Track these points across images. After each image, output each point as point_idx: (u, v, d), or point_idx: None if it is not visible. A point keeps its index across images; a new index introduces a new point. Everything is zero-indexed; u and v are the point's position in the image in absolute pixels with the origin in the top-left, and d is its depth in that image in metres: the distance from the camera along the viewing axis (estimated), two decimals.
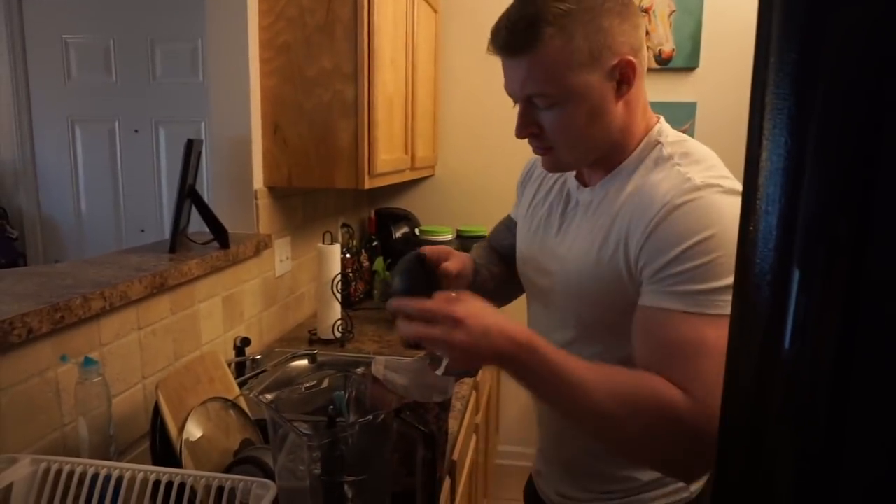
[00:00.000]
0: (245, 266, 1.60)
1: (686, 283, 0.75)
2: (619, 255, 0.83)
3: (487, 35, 0.85)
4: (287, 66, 1.64)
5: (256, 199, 1.64)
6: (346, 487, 0.79)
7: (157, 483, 0.83)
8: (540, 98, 0.83)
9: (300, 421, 0.80)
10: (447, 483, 1.31)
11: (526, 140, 0.89)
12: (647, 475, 0.93)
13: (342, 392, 0.91)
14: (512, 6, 0.83)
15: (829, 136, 0.31)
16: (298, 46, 1.62)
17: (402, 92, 1.99)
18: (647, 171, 0.85)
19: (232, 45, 1.59)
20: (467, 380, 1.59)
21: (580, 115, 0.83)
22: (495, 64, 0.86)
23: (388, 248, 2.40)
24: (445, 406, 0.91)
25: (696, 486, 0.94)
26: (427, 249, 0.95)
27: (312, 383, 0.90)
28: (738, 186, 0.79)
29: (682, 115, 2.41)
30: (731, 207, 0.76)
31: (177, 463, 0.95)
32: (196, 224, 1.47)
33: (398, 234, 2.46)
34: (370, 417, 0.80)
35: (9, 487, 0.81)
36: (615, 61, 0.81)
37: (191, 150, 1.37)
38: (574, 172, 0.96)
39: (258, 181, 1.66)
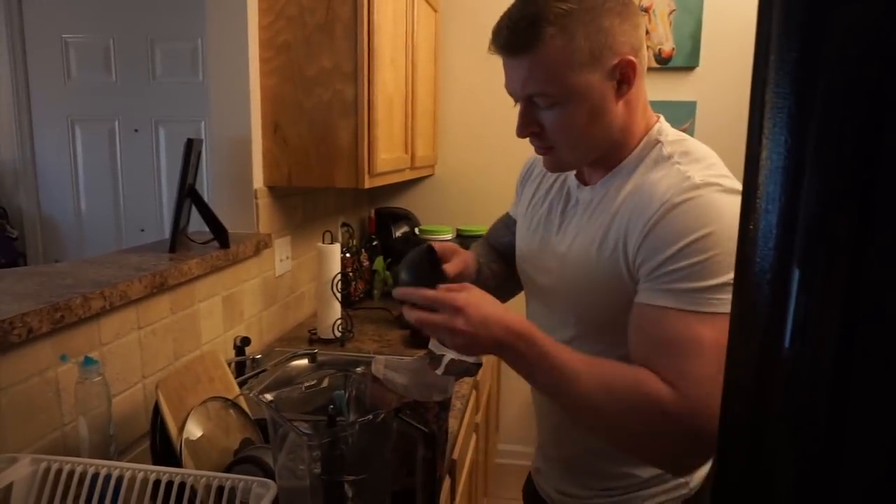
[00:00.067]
0: (245, 265, 1.60)
1: (681, 280, 0.76)
2: (619, 254, 0.83)
3: (487, 34, 0.85)
4: (287, 66, 1.64)
5: (256, 198, 1.64)
6: (346, 487, 0.79)
7: (157, 482, 0.83)
8: (541, 97, 0.83)
9: (300, 420, 0.80)
10: (447, 482, 1.31)
11: (526, 139, 0.89)
12: (647, 472, 0.93)
13: (342, 391, 0.91)
14: (513, 6, 0.83)
15: (829, 134, 0.30)
16: (298, 46, 1.62)
17: (402, 91, 1.99)
18: (647, 170, 0.86)
19: (232, 45, 1.59)
20: (467, 379, 1.59)
21: (581, 114, 0.83)
22: (495, 63, 0.86)
23: (388, 247, 2.40)
24: (445, 405, 0.91)
25: (695, 483, 0.94)
26: (435, 244, 0.96)
27: (312, 383, 0.90)
28: (738, 185, 0.79)
29: (681, 115, 2.41)
30: (729, 206, 0.76)
31: (177, 462, 0.95)
32: (196, 223, 1.47)
33: (398, 233, 2.46)
34: (370, 417, 0.80)
35: (9, 487, 0.81)
36: (616, 61, 0.81)
37: (191, 150, 1.37)
38: (574, 171, 0.96)
39: (258, 181, 1.66)
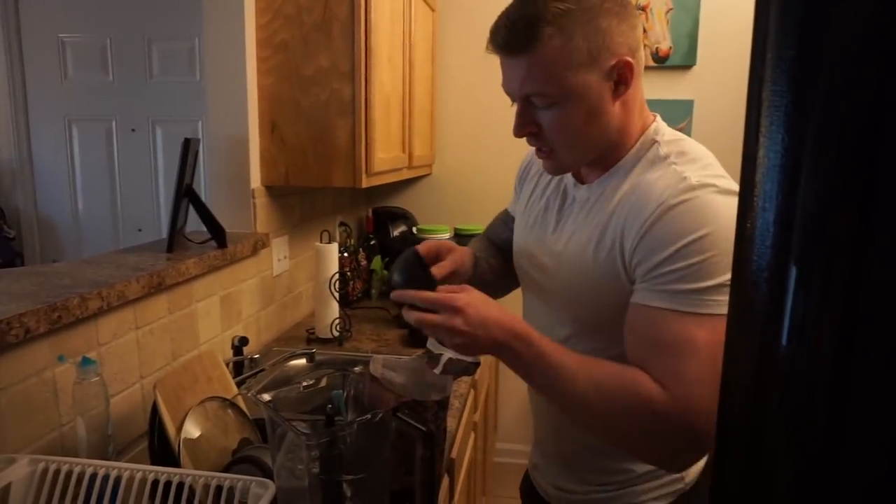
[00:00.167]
0: (243, 265, 1.60)
1: (677, 282, 0.76)
2: (615, 254, 0.84)
3: (485, 34, 0.85)
4: (284, 65, 1.63)
5: (254, 198, 1.64)
6: (344, 486, 0.79)
7: (155, 482, 0.83)
8: (538, 97, 0.83)
9: (298, 420, 0.80)
10: (445, 481, 1.31)
11: (523, 138, 0.89)
12: (644, 467, 0.94)
13: (340, 391, 0.91)
14: (511, 5, 0.83)
15: (826, 133, 0.30)
16: (296, 45, 1.62)
17: (400, 90, 1.99)
18: (644, 170, 0.86)
19: (229, 44, 1.59)
20: (465, 378, 1.59)
21: (578, 114, 0.83)
22: (493, 62, 0.86)
23: (386, 246, 2.40)
24: (444, 404, 0.91)
25: (691, 478, 0.95)
26: (423, 247, 0.97)
27: (311, 382, 0.90)
28: (734, 186, 0.80)
29: (678, 113, 2.41)
30: (726, 207, 0.77)
31: (175, 462, 0.95)
32: (193, 223, 1.47)
33: (396, 232, 2.46)
34: (368, 416, 0.80)
35: (7, 487, 0.81)
36: (613, 62, 0.81)
37: (188, 149, 1.37)
38: None
39: (255, 180, 1.66)
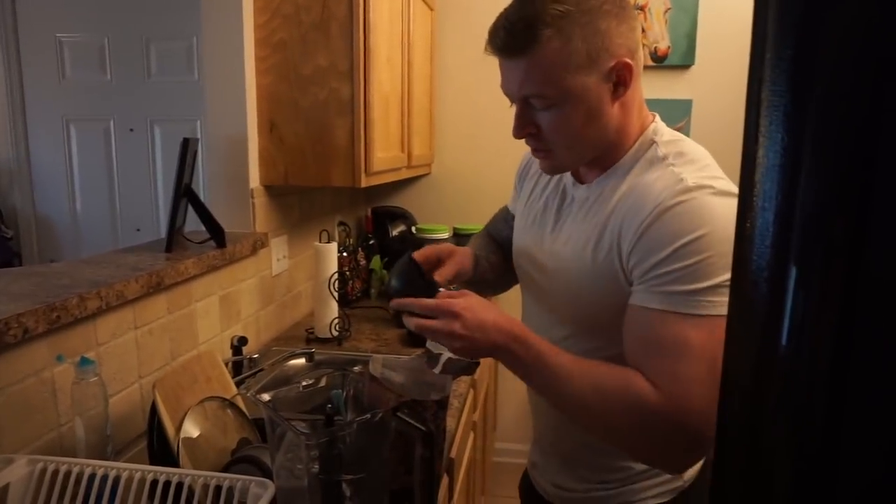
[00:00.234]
0: (242, 265, 1.60)
1: (673, 283, 0.77)
2: (613, 255, 0.84)
3: (483, 33, 0.85)
4: (283, 64, 1.63)
5: (253, 197, 1.64)
6: (344, 486, 0.79)
7: (154, 482, 0.83)
8: (537, 99, 0.83)
9: (298, 420, 0.80)
10: (445, 481, 1.31)
11: (522, 139, 0.89)
12: (642, 465, 0.94)
13: (340, 390, 0.91)
14: (510, 7, 0.83)
15: (825, 133, 0.31)
16: (294, 44, 1.62)
17: (398, 90, 1.99)
18: (642, 171, 0.86)
19: (227, 43, 1.58)
20: (465, 378, 1.59)
21: (577, 116, 0.83)
22: (492, 61, 0.86)
23: (385, 246, 2.40)
24: (443, 404, 0.91)
25: (690, 476, 0.95)
26: (423, 253, 0.98)
27: (310, 382, 0.90)
28: (731, 188, 0.80)
29: (677, 113, 2.42)
30: (722, 208, 0.77)
31: (174, 462, 0.95)
32: (192, 223, 1.47)
33: (395, 232, 2.46)
34: (368, 416, 0.80)
35: (5, 488, 0.81)
36: (612, 63, 0.81)
37: (187, 149, 1.37)
38: None
39: (254, 180, 1.65)
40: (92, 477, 0.82)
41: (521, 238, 1.04)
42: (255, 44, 1.63)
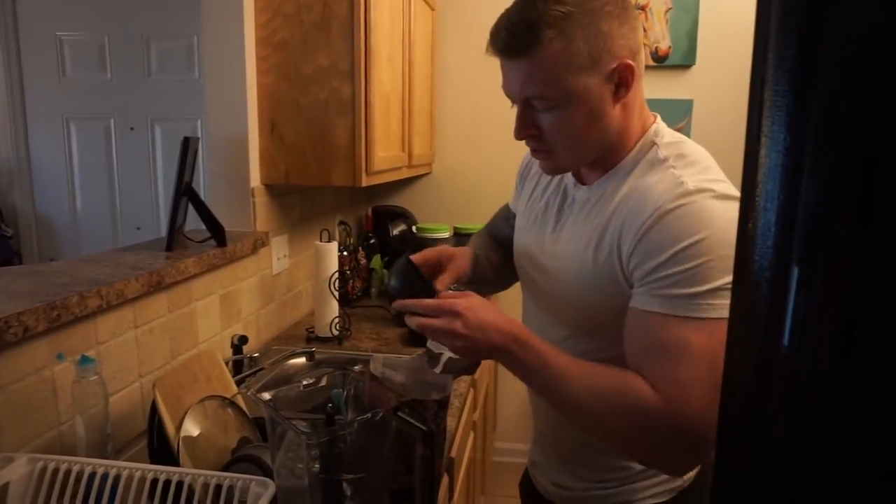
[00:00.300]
0: (242, 264, 1.60)
1: (673, 286, 0.77)
2: (613, 257, 0.84)
3: (484, 33, 0.84)
4: (283, 64, 1.63)
5: (253, 196, 1.64)
6: (344, 485, 0.79)
7: (154, 481, 0.83)
8: (539, 100, 0.83)
9: (298, 419, 0.80)
10: (445, 480, 1.31)
11: (523, 140, 0.89)
12: (641, 465, 0.94)
13: (340, 390, 0.91)
14: (511, 8, 0.82)
15: (828, 133, 0.31)
16: (295, 44, 1.62)
17: (399, 89, 1.99)
18: (643, 173, 0.86)
19: (228, 43, 1.58)
20: (465, 377, 1.59)
21: (579, 117, 0.83)
22: (493, 61, 0.86)
23: (386, 245, 2.40)
24: (444, 404, 0.91)
25: (689, 475, 0.95)
26: (423, 256, 0.99)
27: (310, 381, 0.90)
28: (732, 191, 0.80)
29: (678, 113, 2.41)
30: (722, 212, 0.77)
31: (174, 461, 0.95)
32: (193, 222, 1.47)
33: (395, 231, 2.46)
34: (369, 415, 0.80)
35: (5, 486, 0.81)
36: (614, 65, 0.81)
37: (187, 148, 1.37)
38: None
39: (255, 179, 1.65)
40: (92, 476, 0.82)
41: (522, 238, 1.04)
42: (256, 43, 1.63)
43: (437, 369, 0.86)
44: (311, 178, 1.68)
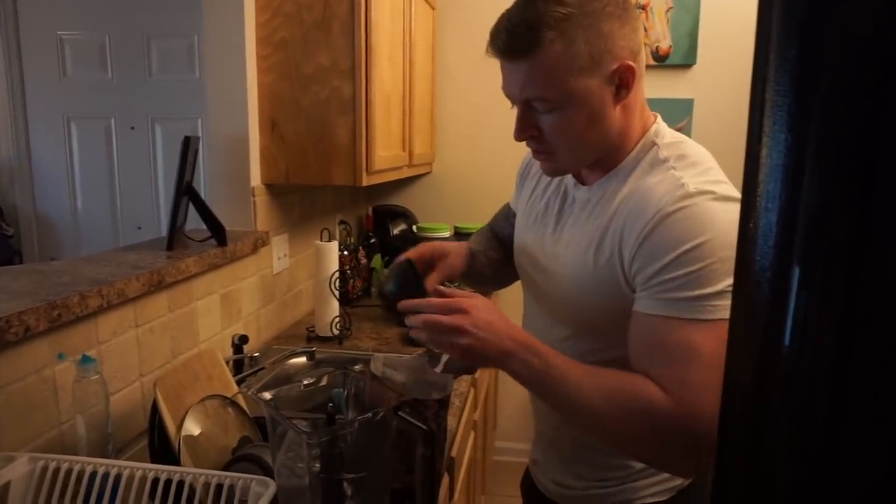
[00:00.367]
0: (243, 263, 1.60)
1: (677, 290, 0.76)
2: (615, 260, 0.84)
3: (485, 32, 0.84)
4: (284, 63, 1.63)
5: (254, 196, 1.64)
6: (345, 485, 0.79)
7: (155, 481, 0.83)
8: (539, 102, 0.83)
9: (299, 418, 0.80)
10: (445, 479, 1.31)
11: (524, 141, 0.89)
12: (641, 464, 0.94)
13: (341, 389, 0.91)
14: (511, 8, 0.82)
15: (829, 133, 0.31)
16: (295, 43, 1.62)
17: (400, 89, 1.99)
18: (643, 174, 0.86)
19: (228, 42, 1.58)
20: (466, 377, 1.59)
21: (579, 119, 0.82)
22: (493, 61, 0.86)
23: (386, 244, 2.40)
24: (445, 403, 0.91)
25: None
26: (417, 252, 0.99)
27: (311, 381, 0.90)
28: (733, 192, 0.80)
29: (678, 112, 2.41)
30: (723, 214, 0.77)
31: (175, 461, 0.95)
32: (193, 221, 1.47)
33: (396, 230, 2.46)
34: (369, 415, 0.80)
35: (6, 486, 0.81)
36: (615, 66, 0.81)
37: (188, 147, 1.37)
38: None
39: (255, 178, 1.65)
40: (93, 475, 0.83)
41: (522, 238, 1.04)
42: (257, 42, 1.63)
43: (438, 369, 0.86)
44: (312, 177, 1.68)
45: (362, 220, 2.58)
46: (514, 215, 1.12)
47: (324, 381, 0.91)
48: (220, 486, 0.82)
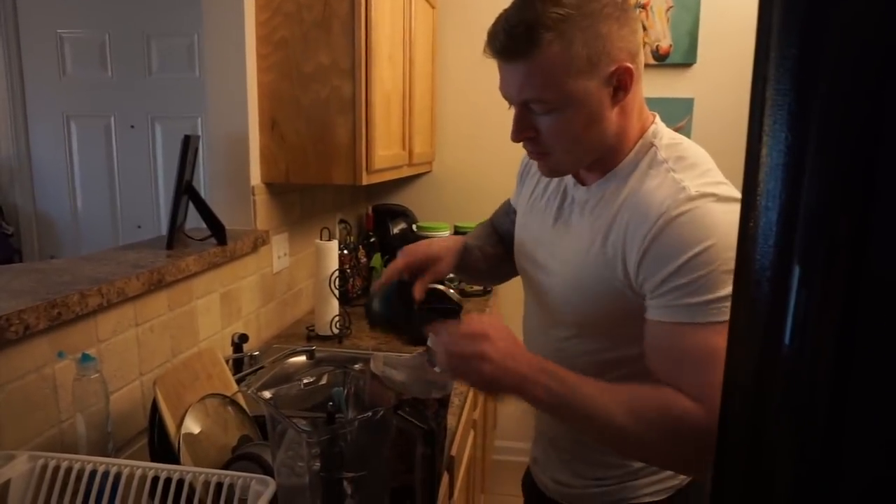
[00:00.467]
0: (242, 262, 1.60)
1: (689, 295, 0.76)
2: (617, 262, 0.83)
3: (485, 32, 0.84)
4: (284, 62, 1.63)
5: (254, 195, 1.64)
6: (345, 484, 0.79)
7: (155, 479, 0.83)
8: (537, 103, 0.82)
9: (299, 417, 0.80)
10: (445, 478, 1.31)
11: (521, 142, 0.89)
12: (639, 463, 0.94)
13: (341, 388, 0.91)
14: (509, 9, 0.81)
15: (829, 132, 0.31)
16: (296, 42, 1.62)
17: (400, 88, 1.99)
18: (642, 176, 0.85)
19: (229, 41, 1.58)
20: None
21: (577, 120, 0.82)
22: (493, 61, 0.86)
23: (386, 244, 2.40)
24: (444, 402, 0.91)
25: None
26: (410, 259, 1.01)
27: (311, 379, 0.90)
28: (733, 192, 0.79)
29: (679, 112, 2.41)
30: (725, 215, 0.76)
31: (175, 459, 0.95)
32: (193, 220, 1.47)
33: (396, 230, 2.46)
34: (369, 414, 0.80)
35: (6, 484, 0.81)
36: (613, 68, 0.80)
37: (188, 146, 1.37)
38: None
39: (255, 177, 1.65)
40: (93, 474, 0.83)
41: (522, 237, 1.04)
42: (257, 41, 1.62)
43: (438, 368, 0.86)
44: (312, 176, 1.68)
45: (362, 219, 2.58)
46: (515, 212, 1.12)
47: (324, 380, 0.91)
48: (219, 485, 0.82)
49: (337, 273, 1.76)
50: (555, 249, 0.94)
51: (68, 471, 0.83)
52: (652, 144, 0.87)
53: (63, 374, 1.01)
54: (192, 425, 1.00)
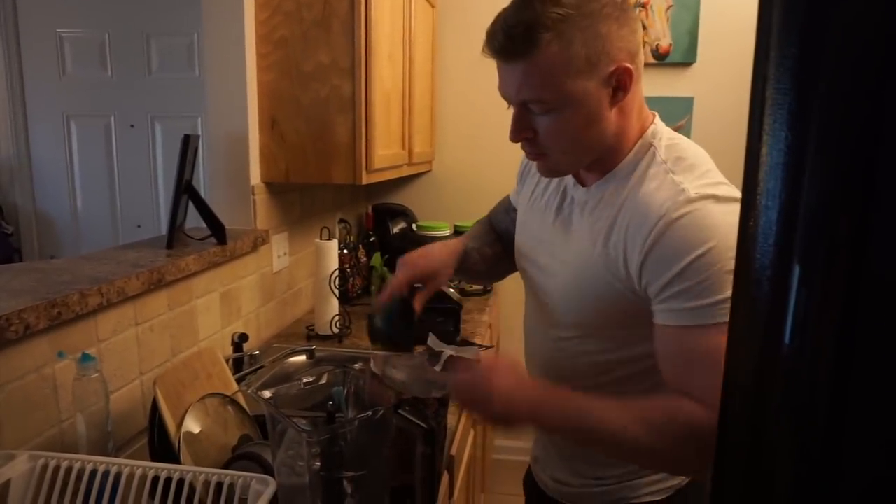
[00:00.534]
0: (242, 262, 1.60)
1: (693, 298, 0.76)
2: (619, 264, 0.83)
3: (484, 32, 0.84)
4: (284, 61, 1.63)
5: (254, 194, 1.64)
6: (345, 483, 0.79)
7: (155, 479, 0.83)
8: (535, 104, 0.82)
9: (299, 417, 0.80)
10: (445, 478, 1.31)
11: (519, 142, 0.89)
12: None
13: (341, 388, 0.91)
14: (508, 9, 0.81)
15: (829, 132, 0.30)
16: (295, 41, 1.62)
17: (400, 87, 1.99)
18: (642, 177, 0.85)
19: (228, 40, 1.58)
20: None
21: (576, 121, 0.82)
22: (493, 60, 0.86)
23: (386, 243, 2.40)
24: (444, 402, 0.91)
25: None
26: (411, 274, 1.03)
27: (311, 379, 0.90)
28: (732, 192, 0.79)
29: (678, 111, 2.41)
30: (725, 216, 0.76)
31: (175, 459, 0.95)
32: (193, 220, 1.47)
33: (395, 229, 2.46)
34: (369, 413, 0.80)
35: (6, 484, 0.81)
36: (612, 68, 0.80)
37: (188, 146, 1.37)
38: None
39: (255, 176, 1.65)
40: (93, 473, 0.83)
41: (522, 237, 1.04)
42: (257, 40, 1.62)
43: (438, 367, 0.86)
44: (312, 175, 1.68)
45: (362, 218, 2.58)
46: (514, 210, 1.12)
47: (323, 380, 0.91)
48: (219, 485, 0.82)
49: (337, 272, 1.76)
50: (555, 250, 0.94)
51: (68, 470, 0.83)
52: (651, 145, 0.87)
53: (63, 374, 1.01)
54: (192, 425, 1.00)
